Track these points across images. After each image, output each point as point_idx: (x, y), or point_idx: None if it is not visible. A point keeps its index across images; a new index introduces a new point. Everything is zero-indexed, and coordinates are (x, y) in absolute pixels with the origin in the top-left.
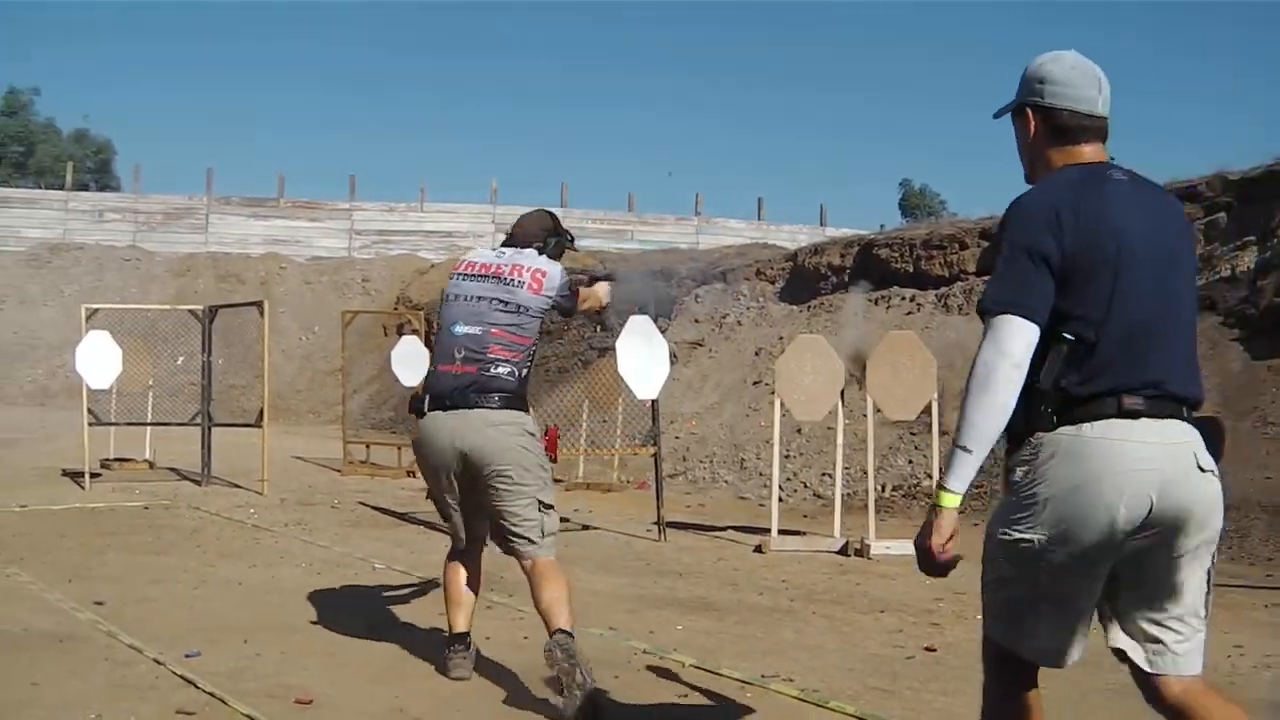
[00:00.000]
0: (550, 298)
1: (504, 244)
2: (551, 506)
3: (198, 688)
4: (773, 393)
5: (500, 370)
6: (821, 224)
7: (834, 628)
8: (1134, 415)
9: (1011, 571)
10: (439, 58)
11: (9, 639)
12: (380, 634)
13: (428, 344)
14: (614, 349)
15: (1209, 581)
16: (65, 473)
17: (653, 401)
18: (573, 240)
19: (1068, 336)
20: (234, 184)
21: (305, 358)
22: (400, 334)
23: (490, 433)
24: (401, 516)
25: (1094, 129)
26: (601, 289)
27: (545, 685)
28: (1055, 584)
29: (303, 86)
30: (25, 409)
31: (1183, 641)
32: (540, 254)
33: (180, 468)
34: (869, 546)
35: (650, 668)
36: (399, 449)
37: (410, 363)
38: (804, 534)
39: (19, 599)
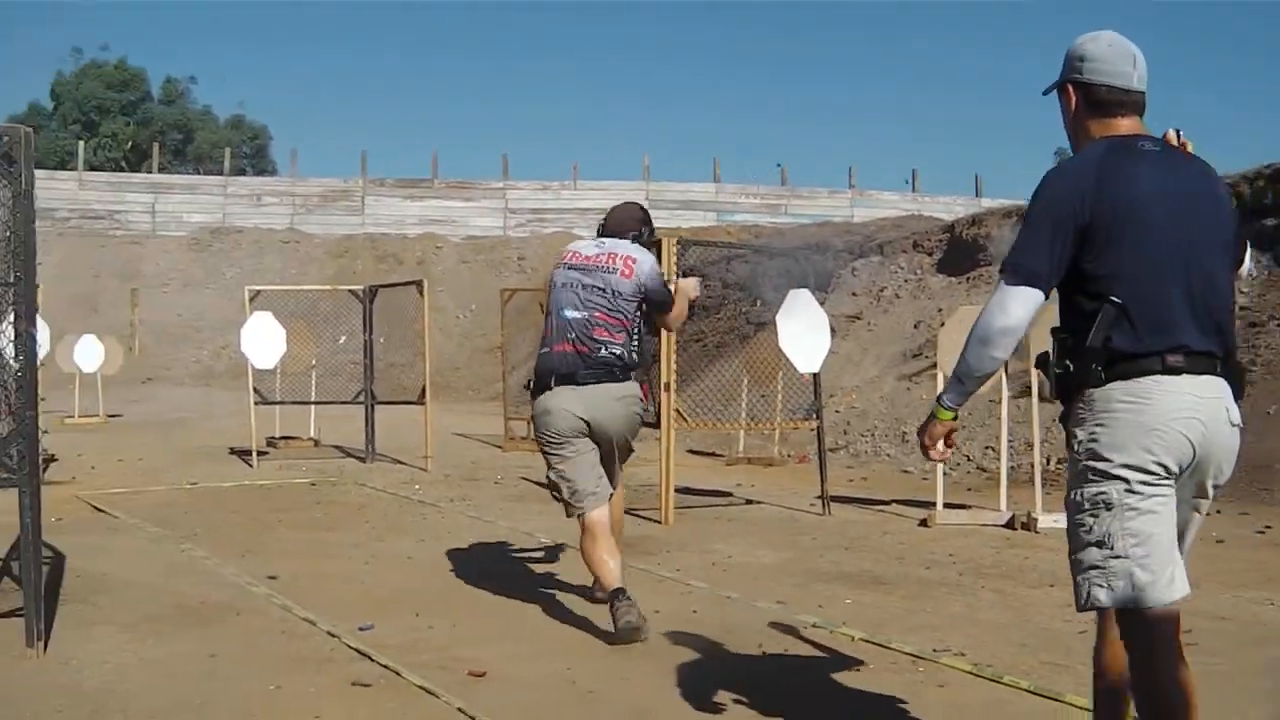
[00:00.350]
0: (641, 283)
1: (600, 234)
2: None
3: (373, 660)
4: (933, 365)
5: (610, 351)
6: (977, 194)
7: (1004, 602)
8: (1177, 371)
9: (1108, 528)
10: (589, 35)
11: (187, 612)
12: (549, 607)
13: None
14: (773, 323)
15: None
16: (232, 451)
17: (814, 375)
18: (653, 232)
19: (1115, 300)
20: (389, 166)
21: (464, 335)
22: None
23: (613, 405)
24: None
25: (1130, 103)
26: (688, 283)
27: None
28: (1149, 523)
29: (455, 68)
30: (191, 389)
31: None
32: (634, 242)
33: (344, 445)
34: (1036, 520)
35: (818, 643)
36: None
37: None
38: (969, 508)
39: (195, 573)
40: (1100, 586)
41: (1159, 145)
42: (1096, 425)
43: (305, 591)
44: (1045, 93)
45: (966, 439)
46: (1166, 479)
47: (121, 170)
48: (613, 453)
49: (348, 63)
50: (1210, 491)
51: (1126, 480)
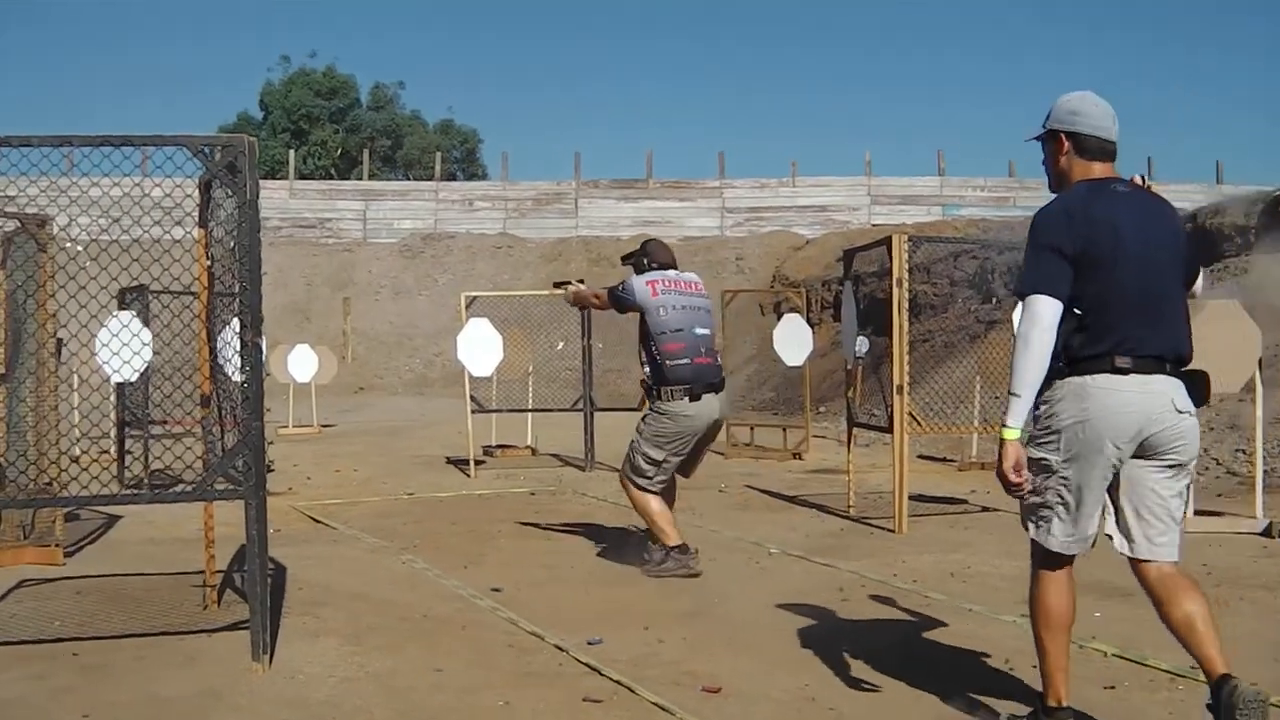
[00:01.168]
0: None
1: (659, 267)
2: None
3: (603, 675)
4: None
5: (719, 359)
6: (1217, 181)
7: (1264, 614)
8: (1123, 371)
9: (1043, 484)
10: (806, 24)
11: (412, 625)
12: (782, 620)
13: (809, 322)
14: (1007, 321)
15: (1184, 495)
16: (449, 460)
17: None
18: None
19: (1075, 311)
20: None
21: None
22: (779, 313)
23: (728, 404)
24: (791, 499)
25: (1108, 151)
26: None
27: None
28: (1074, 491)
29: (669, 64)
30: (405, 397)
31: (1159, 535)
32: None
33: (562, 453)
34: None
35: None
36: (784, 430)
37: (793, 342)
38: (1222, 514)
39: (418, 585)
40: (1033, 524)
41: (1128, 187)
42: (1052, 407)
43: (530, 604)
44: (1031, 139)
45: (1214, 441)
46: (1102, 460)
47: (331, 178)
48: (707, 446)
49: (558, 63)
50: (1181, 469)
51: (1064, 452)
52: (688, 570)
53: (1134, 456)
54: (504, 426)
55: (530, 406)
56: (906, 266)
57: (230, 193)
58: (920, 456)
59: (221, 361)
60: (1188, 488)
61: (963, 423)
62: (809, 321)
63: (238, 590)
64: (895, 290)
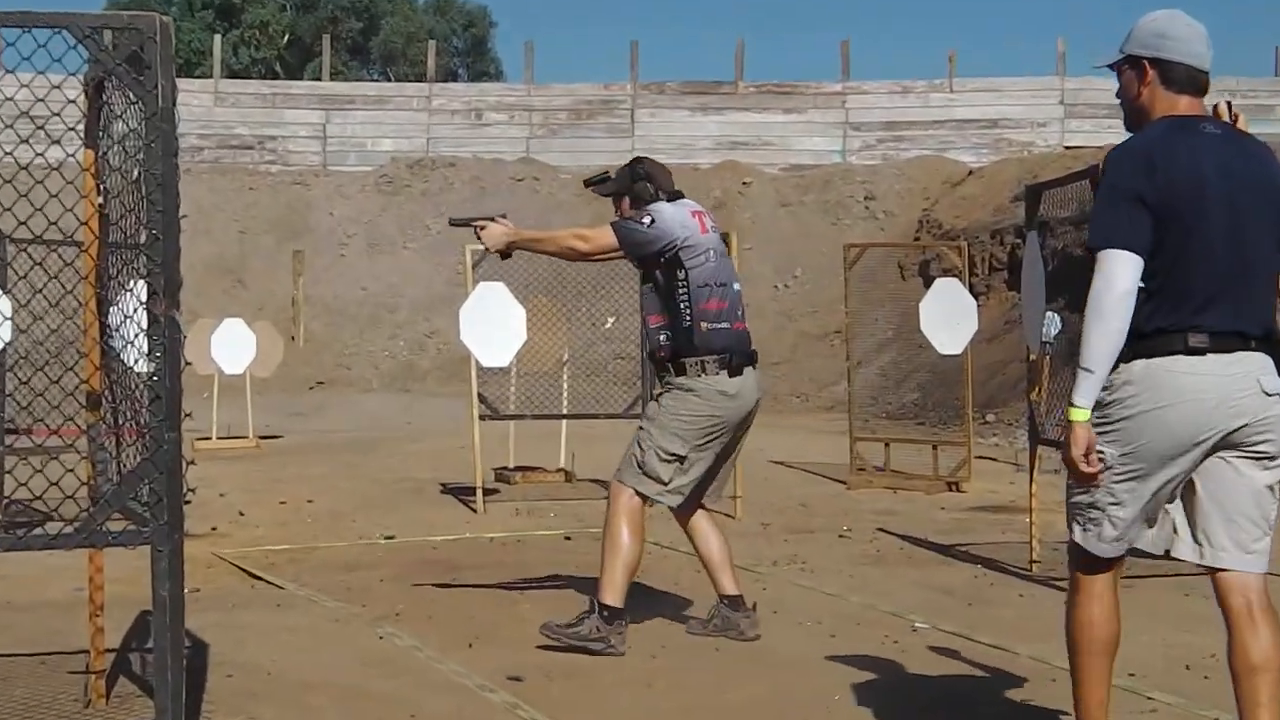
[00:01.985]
0: None
1: (667, 196)
2: None
3: None
4: None
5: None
6: (1277, 72)
7: None
8: (1199, 352)
9: (1096, 480)
10: None
11: None
12: None
13: (972, 291)
14: None
15: (1275, 493)
16: (446, 488)
17: None
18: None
19: (1142, 285)
20: (669, 65)
21: (784, 314)
22: (928, 277)
23: (759, 387)
24: (946, 550)
25: (1199, 83)
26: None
27: None
28: (1133, 490)
29: None
30: (382, 396)
31: (1254, 542)
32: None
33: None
34: None
35: None
36: (934, 449)
37: (948, 321)
38: None
39: (401, 671)
40: (1078, 526)
41: (1219, 127)
42: (1113, 393)
43: (566, 701)
44: (1104, 65)
45: None
46: (1170, 458)
47: (276, 77)
48: (737, 448)
49: None
50: (1259, 463)
51: (1125, 445)
52: (607, 647)
53: (1217, 448)
54: (527, 440)
55: (565, 411)
56: None
57: (133, 98)
58: None
59: (118, 344)
60: (1274, 487)
61: None
62: (972, 290)
63: (137, 679)
64: None
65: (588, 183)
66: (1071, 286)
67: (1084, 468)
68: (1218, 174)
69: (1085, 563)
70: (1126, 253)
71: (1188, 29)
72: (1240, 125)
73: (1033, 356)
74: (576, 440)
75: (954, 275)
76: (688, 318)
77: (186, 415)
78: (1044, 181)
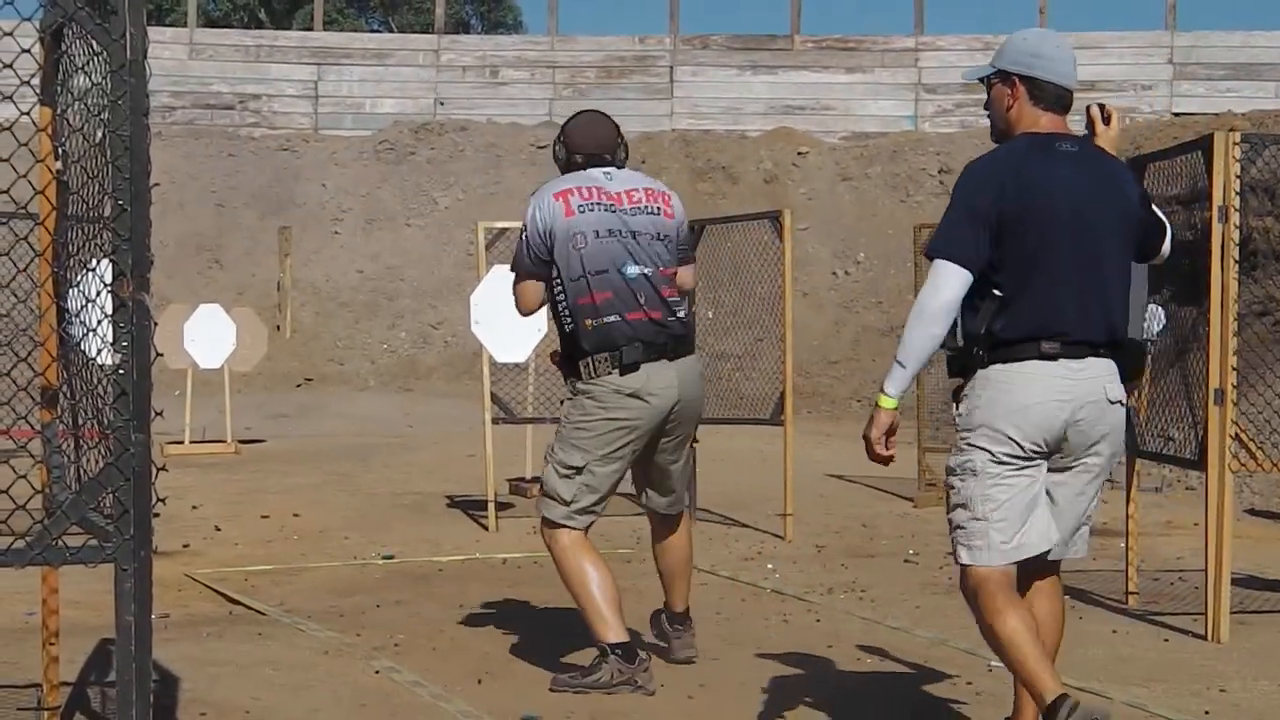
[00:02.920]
0: (681, 226)
1: (587, 161)
2: None
3: None
4: None
5: (681, 313)
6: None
7: None
8: (1051, 357)
9: (971, 492)
10: None
11: None
12: None
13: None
14: None
15: (1097, 492)
16: (453, 501)
17: None
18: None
19: (996, 293)
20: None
21: (844, 306)
22: None
23: (697, 383)
24: None
25: (1065, 102)
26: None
27: None
28: (1006, 493)
29: None
30: (379, 395)
31: (1079, 536)
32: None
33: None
34: None
35: None
36: None
37: None
38: None
39: (401, 711)
40: (962, 544)
41: (1075, 145)
42: (973, 402)
43: None
44: (981, 79)
45: None
46: (1029, 458)
47: (261, 26)
48: (680, 451)
49: None
50: (1103, 464)
51: (990, 451)
52: (633, 686)
53: (1071, 450)
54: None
55: None
56: (1237, 187)
57: (96, 48)
58: (1253, 511)
59: (78, 331)
60: (1099, 486)
61: None
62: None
63: (97, 718)
64: (1216, 227)
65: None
66: (1177, 277)
67: (878, 449)
68: (1069, 190)
69: (981, 576)
70: (957, 266)
71: (1058, 50)
72: (1113, 122)
73: None
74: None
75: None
76: (568, 318)
77: (156, 414)
78: (1149, 153)
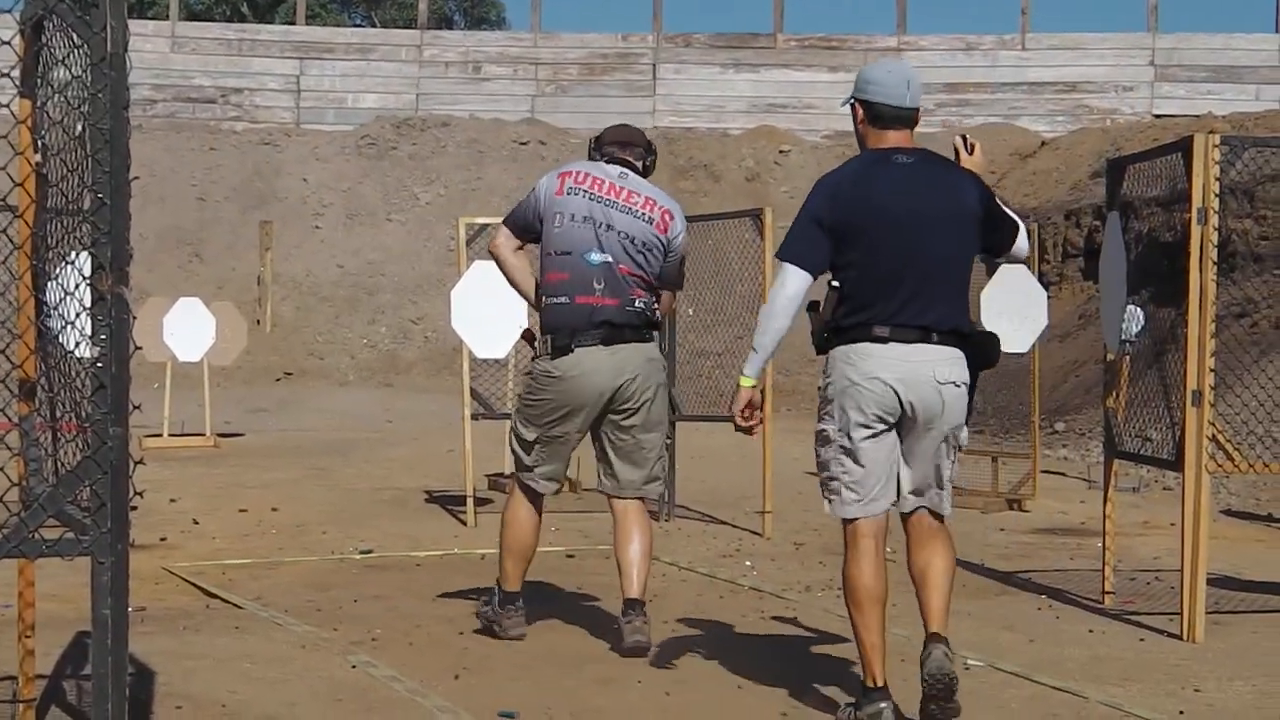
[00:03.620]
0: (673, 244)
1: (608, 157)
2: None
3: None
4: None
5: (639, 304)
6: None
7: None
8: (882, 340)
9: (826, 455)
10: None
11: None
12: None
13: (1042, 280)
14: None
15: (953, 462)
16: (432, 497)
17: None
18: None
19: (835, 285)
20: (697, 15)
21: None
22: (993, 262)
23: (647, 368)
24: (1006, 578)
25: (902, 119)
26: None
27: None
28: (853, 456)
29: None
30: (359, 391)
31: (930, 491)
32: (645, 173)
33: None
34: None
35: None
36: (994, 461)
37: (1014, 313)
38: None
39: (378, 706)
40: (827, 500)
41: (914, 157)
42: (826, 378)
43: None
44: (842, 105)
45: None
46: (873, 424)
47: (243, 20)
48: (638, 434)
49: None
50: (942, 436)
51: (840, 421)
52: (500, 630)
53: (910, 422)
54: None
55: None
56: (1217, 189)
57: (77, 40)
58: (1229, 512)
59: (56, 324)
60: (951, 457)
61: None
62: (1042, 279)
63: (73, 710)
64: (1196, 229)
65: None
66: (1158, 278)
67: (740, 422)
68: (903, 198)
69: (848, 529)
70: (797, 267)
71: (888, 75)
72: (977, 151)
73: (1111, 357)
74: (582, 444)
75: (1022, 262)
76: (540, 289)
77: (135, 408)
78: (1129, 155)
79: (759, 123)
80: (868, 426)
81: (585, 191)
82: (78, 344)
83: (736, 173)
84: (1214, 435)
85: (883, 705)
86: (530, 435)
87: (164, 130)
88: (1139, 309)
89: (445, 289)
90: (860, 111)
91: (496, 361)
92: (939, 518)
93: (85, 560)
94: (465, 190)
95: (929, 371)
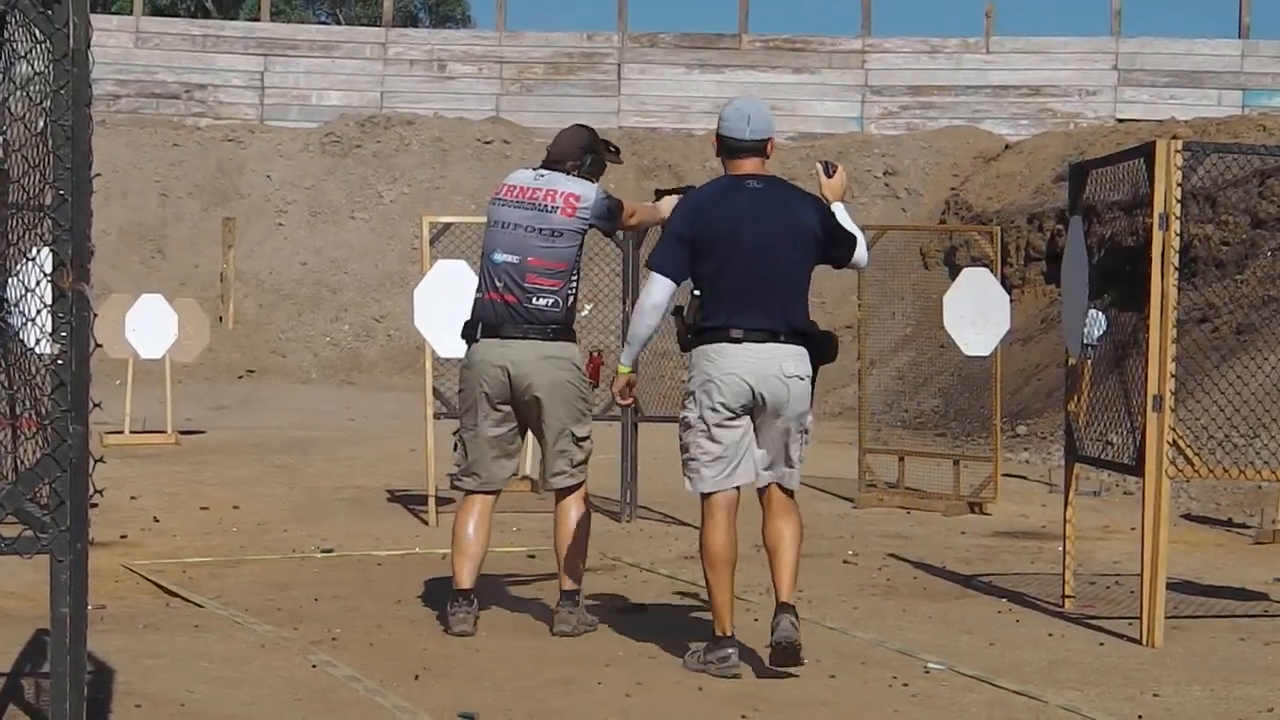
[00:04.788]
0: (585, 220)
1: (543, 164)
2: (585, 438)
3: None
4: None
5: (541, 301)
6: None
7: None
8: (737, 340)
9: (689, 439)
10: None
11: None
12: None
13: (1004, 284)
14: None
15: (802, 445)
16: (394, 496)
17: None
18: (617, 153)
19: (696, 292)
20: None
21: None
22: (954, 266)
23: (541, 364)
24: (966, 581)
25: (744, 149)
26: (665, 204)
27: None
28: (711, 442)
29: None
30: (322, 389)
31: (782, 468)
32: (578, 173)
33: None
34: None
35: None
36: (956, 464)
37: (977, 317)
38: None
39: (337, 706)
40: (687, 478)
41: (763, 183)
42: (689, 373)
43: None
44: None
45: None
46: (728, 412)
47: (207, 15)
48: (542, 428)
49: None
50: (790, 422)
51: (701, 412)
52: (450, 622)
53: (762, 410)
54: None
55: None
56: (1179, 194)
57: (39, 36)
58: (1189, 517)
59: (17, 321)
60: (801, 442)
61: (1265, 462)
62: (1005, 283)
63: (30, 709)
64: (1157, 234)
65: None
66: (1119, 282)
67: (620, 400)
68: (750, 217)
69: (706, 502)
70: (663, 276)
71: (735, 113)
72: (837, 175)
73: (1072, 361)
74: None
75: (984, 265)
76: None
77: (95, 405)
78: (1091, 159)
79: None
80: (724, 414)
81: (501, 200)
82: (38, 341)
83: (701, 173)
84: (1174, 440)
85: (730, 650)
86: (458, 428)
87: (127, 126)
88: (1100, 313)
89: (408, 287)
90: (716, 143)
91: (459, 360)
92: (789, 493)
93: (44, 558)
94: (429, 189)
95: (777, 367)
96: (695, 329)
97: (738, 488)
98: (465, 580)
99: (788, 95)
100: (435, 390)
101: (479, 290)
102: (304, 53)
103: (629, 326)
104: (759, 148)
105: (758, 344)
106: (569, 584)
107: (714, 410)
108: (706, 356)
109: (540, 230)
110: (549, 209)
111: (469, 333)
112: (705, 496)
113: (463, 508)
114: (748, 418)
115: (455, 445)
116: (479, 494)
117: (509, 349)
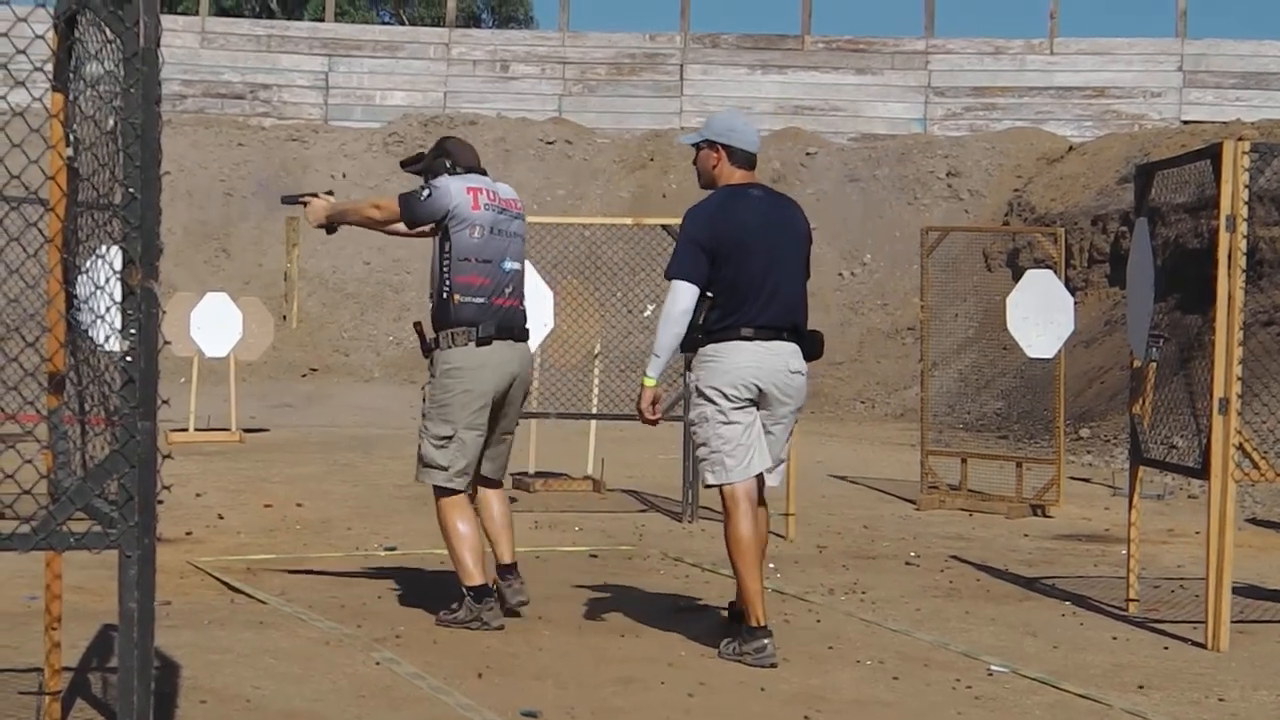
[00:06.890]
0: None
1: (468, 170)
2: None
3: None
4: None
5: (524, 304)
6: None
7: None
8: (748, 339)
9: (706, 433)
10: None
11: None
12: None
13: (1069, 286)
14: None
15: (788, 435)
16: None
17: None
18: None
19: (709, 295)
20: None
21: (849, 307)
22: (1018, 268)
23: (529, 367)
24: (1030, 584)
25: (752, 162)
26: (318, 205)
27: None
28: (729, 427)
29: None
30: (383, 387)
31: (778, 460)
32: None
33: (645, 490)
34: None
35: None
36: (1019, 466)
37: (1041, 319)
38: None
39: (401, 703)
40: (709, 471)
41: (761, 191)
42: (701, 370)
43: None
44: (689, 143)
45: None
46: (741, 403)
47: (272, 17)
48: (502, 424)
49: None
50: (789, 416)
51: (715, 403)
52: (482, 624)
53: (768, 403)
54: (551, 442)
55: (595, 411)
56: (1245, 196)
57: (109, 35)
58: (1254, 521)
59: (86, 318)
60: (790, 431)
61: None
62: (1069, 285)
63: (97, 703)
64: (1224, 236)
65: (403, 163)
66: (1185, 284)
67: (648, 416)
68: (759, 224)
69: (728, 493)
70: (687, 283)
71: (745, 125)
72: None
73: (1137, 363)
74: (607, 444)
75: (1048, 267)
76: (446, 288)
77: (163, 403)
78: (1157, 161)
79: (785, 124)
80: (739, 405)
81: (494, 208)
82: (107, 338)
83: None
84: (1240, 443)
85: (765, 640)
86: (449, 431)
87: (193, 125)
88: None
89: None
90: (723, 153)
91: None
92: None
93: (111, 553)
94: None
95: (784, 363)
96: (705, 329)
97: (759, 476)
98: (480, 576)
99: (850, 96)
100: None
101: (483, 295)
102: (368, 53)
103: (657, 335)
104: (756, 162)
105: (767, 342)
106: (510, 559)
107: (727, 398)
108: (716, 353)
109: (522, 240)
110: (520, 217)
111: (479, 334)
112: (725, 489)
113: (451, 508)
114: (756, 409)
115: (433, 445)
116: (460, 492)
117: (517, 351)
